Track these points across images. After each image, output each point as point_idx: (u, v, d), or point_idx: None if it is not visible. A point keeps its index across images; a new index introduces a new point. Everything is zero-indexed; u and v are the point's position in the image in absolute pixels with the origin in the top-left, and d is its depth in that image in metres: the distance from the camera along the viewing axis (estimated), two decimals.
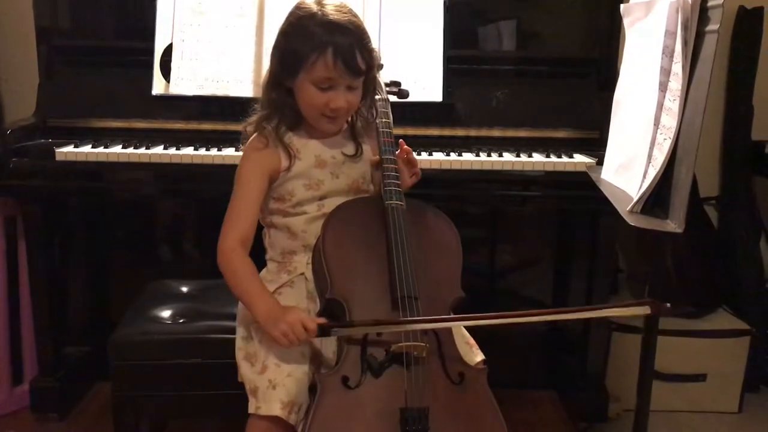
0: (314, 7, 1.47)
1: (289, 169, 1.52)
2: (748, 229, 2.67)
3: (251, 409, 1.42)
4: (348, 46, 1.44)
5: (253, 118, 1.57)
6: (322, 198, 1.55)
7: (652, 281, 1.51)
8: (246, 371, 1.47)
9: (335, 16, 1.45)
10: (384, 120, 1.63)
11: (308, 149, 1.55)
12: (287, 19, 1.50)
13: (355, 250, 1.48)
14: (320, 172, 1.55)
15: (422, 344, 1.35)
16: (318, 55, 1.43)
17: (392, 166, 1.56)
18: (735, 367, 2.43)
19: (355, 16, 1.49)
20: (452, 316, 1.45)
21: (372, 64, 1.51)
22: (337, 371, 1.35)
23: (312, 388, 1.38)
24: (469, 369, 1.43)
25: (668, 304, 1.37)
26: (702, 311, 2.50)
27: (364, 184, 1.62)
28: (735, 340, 2.42)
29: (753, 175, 2.65)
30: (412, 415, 1.30)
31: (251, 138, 1.55)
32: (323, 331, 1.37)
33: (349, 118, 1.60)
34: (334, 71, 1.44)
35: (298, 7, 1.49)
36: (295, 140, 1.54)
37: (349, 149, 1.60)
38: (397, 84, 1.78)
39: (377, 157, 1.60)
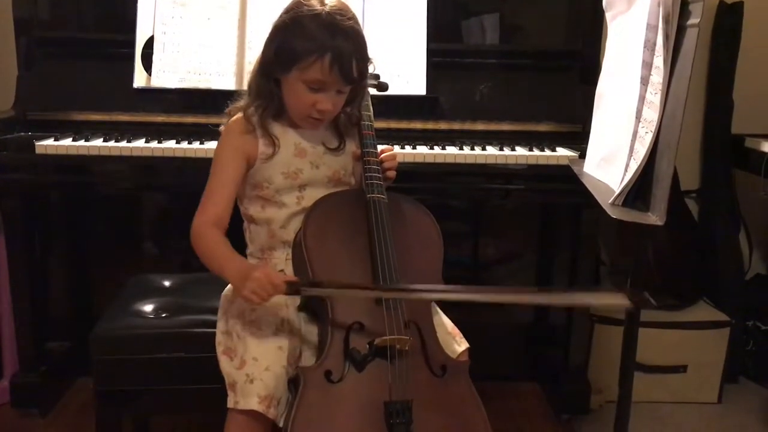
0: (317, 6, 1.43)
1: (270, 157, 1.51)
2: (728, 221, 2.69)
3: (230, 404, 1.41)
4: (347, 54, 1.42)
5: (239, 104, 1.55)
6: (300, 188, 1.54)
7: (634, 274, 1.52)
8: (225, 365, 1.47)
9: (338, 20, 1.42)
10: (365, 113, 1.63)
11: (288, 137, 1.53)
12: (288, 12, 1.46)
13: (336, 244, 1.47)
14: (299, 161, 1.54)
15: (405, 338, 1.36)
16: (316, 57, 1.41)
17: (374, 159, 1.56)
18: (715, 359, 2.45)
19: (357, 22, 1.47)
20: (423, 286, 1.43)
21: (365, 73, 1.50)
22: (319, 365, 1.34)
23: (294, 382, 1.37)
24: (451, 362, 1.43)
25: (647, 296, 1.37)
26: (683, 303, 2.52)
27: (345, 177, 1.61)
28: (715, 331, 2.45)
29: (733, 168, 2.67)
30: (396, 408, 1.30)
31: (233, 119, 1.54)
32: (292, 289, 1.36)
33: None
34: (329, 76, 1.43)
35: (300, 2, 1.45)
36: (276, 127, 1.53)
37: (332, 142, 1.59)
38: (376, 77, 1.78)
39: (359, 150, 1.60)
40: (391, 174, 1.61)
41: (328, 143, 1.58)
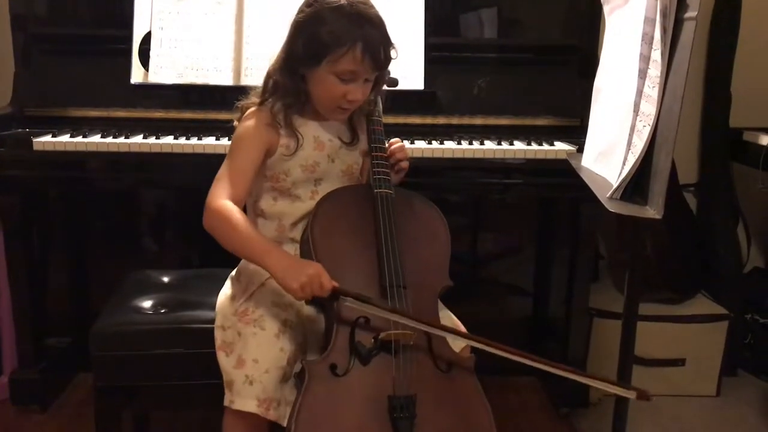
0: None
1: (293, 153, 1.51)
2: (726, 215, 2.69)
3: (226, 402, 1.41)
4: (376, 41, 1.44)
5: (252, 99, 1.54)
6: (316, 181, 1.55)
7: (632, 267, 1.52)
8: (222, 362, 1.47)
9: (362, 9, 1.44)
10: (374, 108, 1.63)
11: (308, 131, 1.53)
12: (310, 5, 1.46)
13: (344, 238, 1.48)
14: (318, 155, 1.54)
15: (410, 332, 1.36)
16: (348, 48, 1.42)
17: (382, 154, 1.56)
18: (713, 352, 2.46)
19: (376, 9, 1.47)
20: (467, 334, 1.44)
21: (390, 59, 1.51)
22: (325, 358, 1.35)
23: (300, 375, 1.38)
24: (456, 357, 1.43)
25: (652, 396, 1.37)
26: (681, 297, 2.52)
27: (357, 172, 1.62)
28: (713, 324, 2.45)
29: (731, 161, 2.67)
30: (399, 402, 1.31)
31: (256, 108, 1.53)
32: (334, 295, 1.36)
33: None
34: (361, 65, 1.44)
35: None
36: (297, 120, 1.53)
37: (346, 136, 1.59)
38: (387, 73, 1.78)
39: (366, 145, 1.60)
40: (404, 165, 1.62)
41: (344, 137, 1.58)
